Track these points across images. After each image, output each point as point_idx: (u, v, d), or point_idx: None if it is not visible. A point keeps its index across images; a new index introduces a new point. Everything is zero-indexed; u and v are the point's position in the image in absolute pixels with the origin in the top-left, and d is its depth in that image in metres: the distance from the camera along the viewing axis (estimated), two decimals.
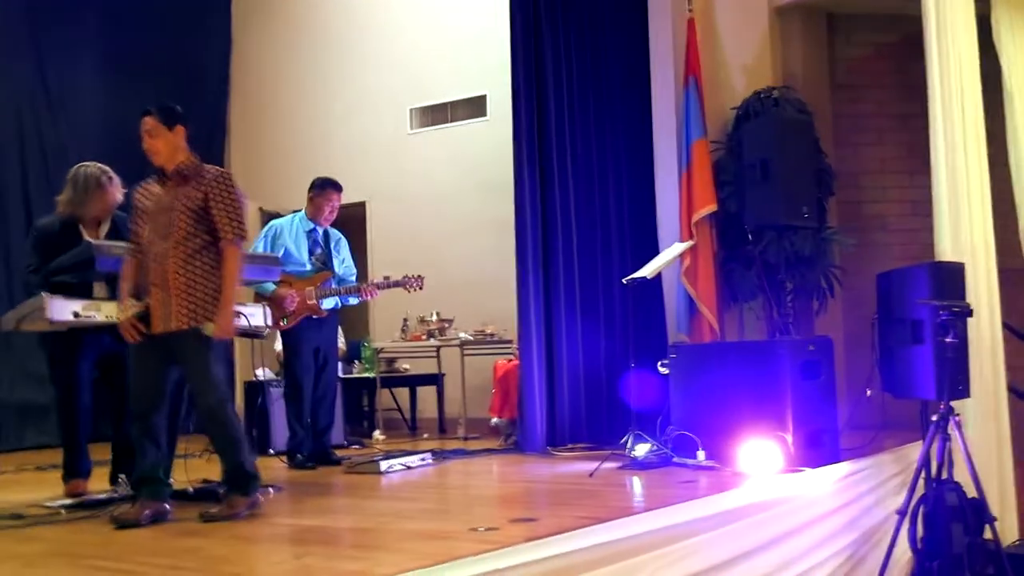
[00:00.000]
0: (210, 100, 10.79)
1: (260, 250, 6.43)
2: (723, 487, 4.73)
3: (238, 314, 4.84)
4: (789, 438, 5.13)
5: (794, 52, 7.63)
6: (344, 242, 6.86)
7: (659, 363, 5.99)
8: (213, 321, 4.34)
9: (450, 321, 8.55)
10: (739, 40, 7.48)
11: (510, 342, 8.10)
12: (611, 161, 7.15)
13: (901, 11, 7.10)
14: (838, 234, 7.01)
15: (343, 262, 6.77)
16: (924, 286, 5.16)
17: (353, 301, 6.72)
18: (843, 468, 5.23)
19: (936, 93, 5.79)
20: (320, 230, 6.68)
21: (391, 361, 9.11)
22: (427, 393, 9.26)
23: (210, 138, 10.60)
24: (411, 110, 9.88)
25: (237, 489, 4.37)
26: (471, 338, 8.39)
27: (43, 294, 4.77)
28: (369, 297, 6.70)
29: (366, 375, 9.03)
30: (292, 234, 6.58)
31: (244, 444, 4.47)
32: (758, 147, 6.45)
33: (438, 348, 8.68)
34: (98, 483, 5.25)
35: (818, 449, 5.25)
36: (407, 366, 9.24)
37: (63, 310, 4.72)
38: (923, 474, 4.89)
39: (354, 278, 6.83)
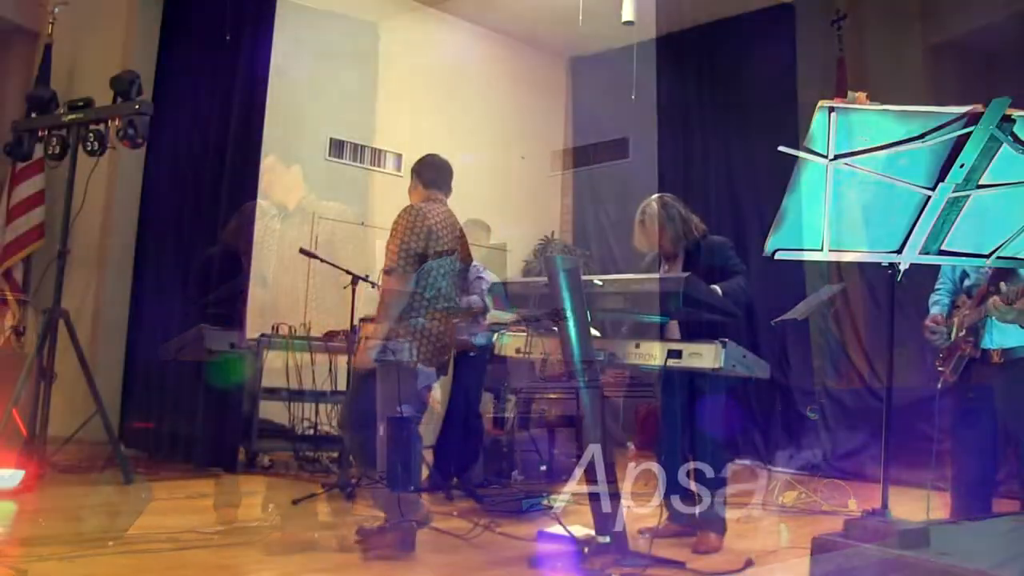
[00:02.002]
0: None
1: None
2: (874, 537, 4.54)
3: (385, 348, 4.94)
4: (947, 488, 4.91)
5: (949, 91, 7.39)
6: (487, 280, 6.92)
7: (807, 408, 5.84)
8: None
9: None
10: (891, 79, 7.29)
11: (650, 386, 7.99)
12: (756, 202, 7.05)
13: None
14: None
15: (486, 299, 6.80)
16: None
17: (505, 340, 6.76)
18: (1008, 523, 4.96)
19: None
20: (470, 269, 6.76)
21: (528, 402, 9.10)
22: (564, 435, 9.19)
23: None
24: (552, 152, 9.94)
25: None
26: (611, 380, 8.33)
27: (201, 325, 4.93)
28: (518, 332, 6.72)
29: (503, 415, 9.03)
30: (442, 273, 6.67)
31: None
32: None
33: (577, 389, 8.60)
34: (249, 511, 5.37)
35: (978, 501, 5.00)
36: (544, 407, 9.21)
37: (220, 340, 4.87)
38: None
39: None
